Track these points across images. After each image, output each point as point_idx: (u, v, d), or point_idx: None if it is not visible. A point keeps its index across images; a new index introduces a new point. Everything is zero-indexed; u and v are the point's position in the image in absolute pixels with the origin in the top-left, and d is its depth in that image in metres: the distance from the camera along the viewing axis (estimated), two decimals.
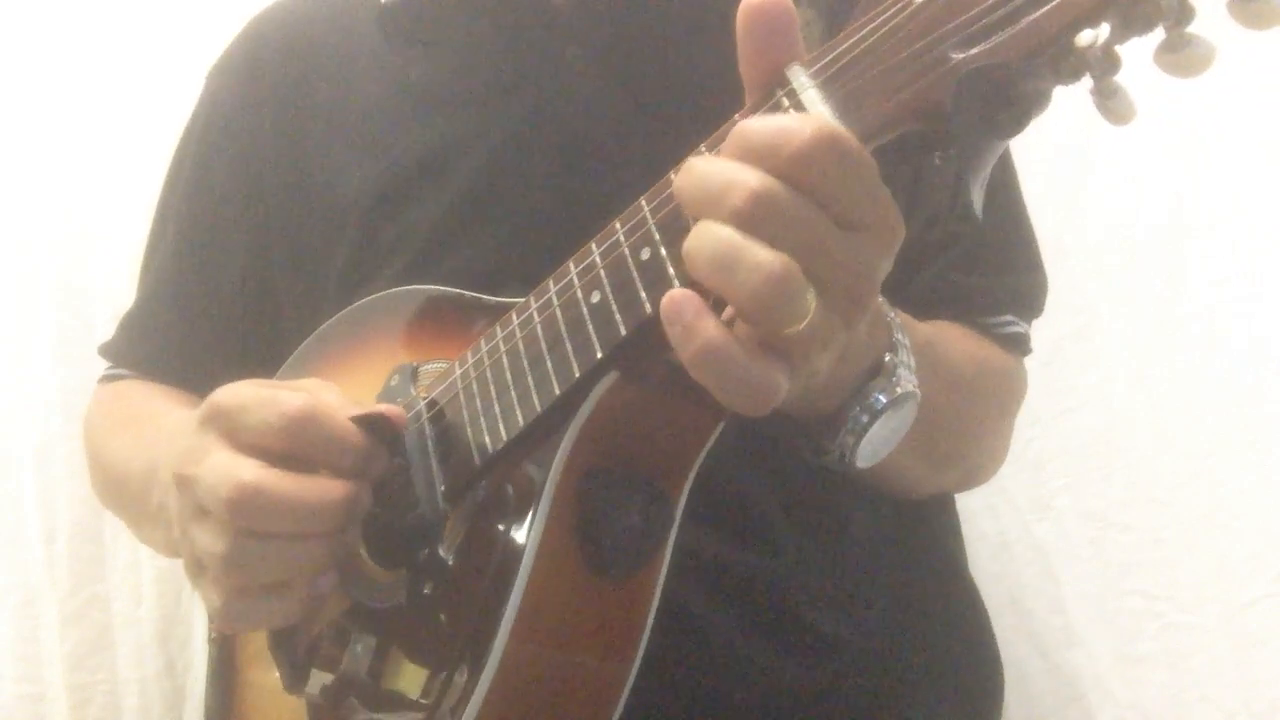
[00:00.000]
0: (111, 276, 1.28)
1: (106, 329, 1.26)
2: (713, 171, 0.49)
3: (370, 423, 0.64)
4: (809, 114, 0.49)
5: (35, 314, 1.27)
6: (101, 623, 1.23)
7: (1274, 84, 1.15)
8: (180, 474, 0.63)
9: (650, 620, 0.61)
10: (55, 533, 1.23)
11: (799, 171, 0.47)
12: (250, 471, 0.60)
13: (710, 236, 0.48)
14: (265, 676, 0.74)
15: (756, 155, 0.48)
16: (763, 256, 0.46)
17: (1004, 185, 0.91)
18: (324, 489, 0.61)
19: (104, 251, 1.29)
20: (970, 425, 0.83)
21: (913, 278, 0.76)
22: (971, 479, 0.91)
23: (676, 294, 0.49)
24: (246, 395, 0.63)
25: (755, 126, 0.49)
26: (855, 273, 0.49)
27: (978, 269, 0.86)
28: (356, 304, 0.79)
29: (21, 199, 1.29)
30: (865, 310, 0.51)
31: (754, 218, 0.47)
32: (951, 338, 0.81)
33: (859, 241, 0.49)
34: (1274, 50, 1.09)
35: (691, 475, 0.63)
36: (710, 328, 0.48)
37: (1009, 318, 0.87)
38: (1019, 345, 0.89)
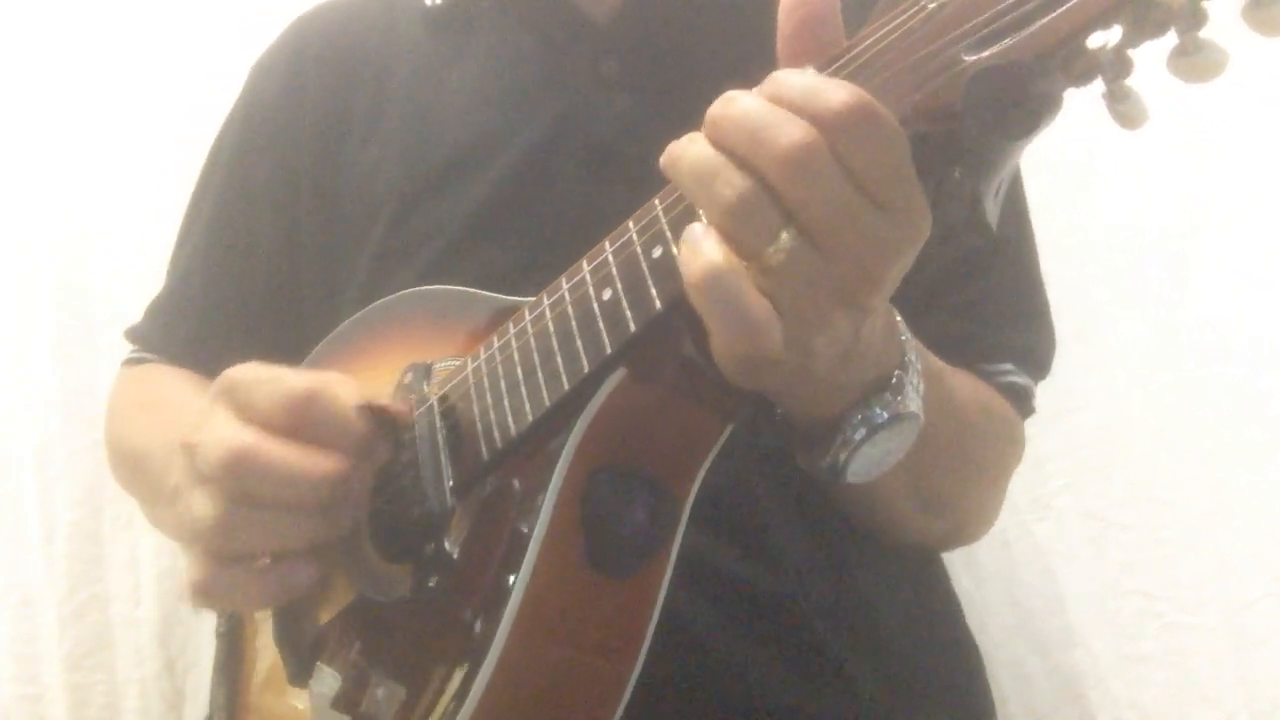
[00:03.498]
0: (111, 276, 1.28)
1: (106, 329, 1.27)
2: (762, 111, 0.49)
3: (374, 413, 0.66)
4: (842, 81, 0.49)
5: (35, 314, 1.27)
6: (100, 623, 1.23)
7: None
8: (185, 441, 0.64)
9: (653, 621, 0.61)
10: (54, 533, 1.23)
11: (830, 133, 0.47)
12: (248, 435, 0.61)
13: (694, 148, 0.50)
14: (271, 670, 0.75)
15: (791, 106, 0.48)
16: (734, 175, 0.48)
17: (1019, 238, 0.91)
18: (316, 459, 0.62)
19: (104, 251, 1.29)
20: (966, 471, 0.81)
21: (921, 313, 0.75)
22: (956, 535, 0.89)
23: (695, 225, 0.51)
24: (258, 372, 0.65)
25: (790, 78, 0.49)
26: (870, 246, 0.49)
27: (979, 317, 0.86)
28: (375, 304, 0.80)
29: (21, 199, 1.29)
30: (870, 292, 0.51)
31: (797, 165, 0.47)
32: (961, 378, 0.80)
33: (884, 220, 0.49)
34: None
35: (699, 477, 0.62)
36: (716, 250, 0.49)
37: (1007, 366, 0.86)
38: (1018, 397, 0.87)
